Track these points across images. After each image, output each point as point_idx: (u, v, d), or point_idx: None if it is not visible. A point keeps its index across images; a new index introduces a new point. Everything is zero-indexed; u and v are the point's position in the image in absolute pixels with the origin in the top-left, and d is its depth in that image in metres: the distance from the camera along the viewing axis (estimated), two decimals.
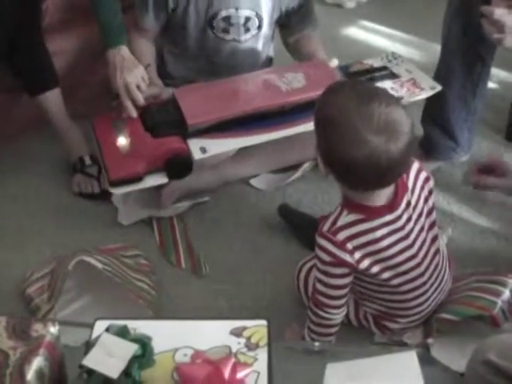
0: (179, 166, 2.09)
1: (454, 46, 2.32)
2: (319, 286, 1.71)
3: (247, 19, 2.32)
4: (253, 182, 2.42)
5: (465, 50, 2.31)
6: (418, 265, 1.71)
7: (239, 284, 2.06)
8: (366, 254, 1.66)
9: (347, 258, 1.64)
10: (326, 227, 1.66)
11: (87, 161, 2.43)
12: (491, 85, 2.67)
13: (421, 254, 1.71)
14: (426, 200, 1.73)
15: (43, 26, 2.40)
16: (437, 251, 1.77)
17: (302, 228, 2.18)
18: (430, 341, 1.79)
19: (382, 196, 1.64)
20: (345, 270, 1.67)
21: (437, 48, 2.45)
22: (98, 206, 2.34)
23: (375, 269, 1.68)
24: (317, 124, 1.62)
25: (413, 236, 1.69)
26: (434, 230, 1.76)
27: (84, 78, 2.61)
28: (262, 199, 2.36)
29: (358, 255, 1.65)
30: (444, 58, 2.36)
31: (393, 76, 2.30)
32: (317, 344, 1.74)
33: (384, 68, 2.35)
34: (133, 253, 2.11)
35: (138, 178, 2.07)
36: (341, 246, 1.64)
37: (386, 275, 1.69)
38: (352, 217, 1.65)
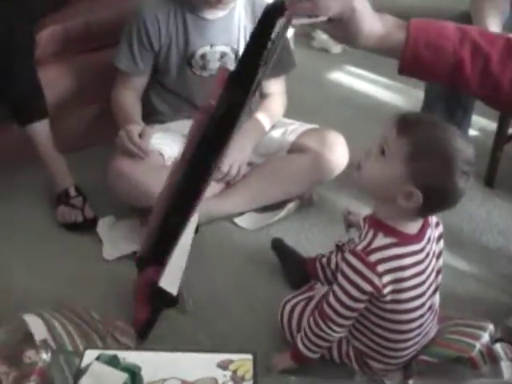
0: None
1: (436, 94, 2.39)
2: (332, 301, 1.70)
3: (222, 54, 2.38)
4: (237, 220, 2.44)
5: (447, 98, 2.37)
6: (423, 305, 1.72)
7: (222, 320, 2.06)
8: (392, 280, 1.65)
9: (375, 280, 1.64)
10: (360, 247, 1.66)
11: (72, 192, 2.45)
12: (472, 132, 2.72)
13: (428, 293, 1.72)
14: (437, 243, 1.77)
15: (36, 56, 2.43)
16: (436, 296, 1.79)
17: (289, 264, 2.18)
18: (410, 382, 1.80)
19: (416, 225, 1.68)
20: (365, 296, 1.67)
21: (419, 94, 2.51)
22: (83, 239, 2.35)
23: (389, 297, 1.68)
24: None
25: (426, 273, 1.70)
26: (440, 275, 1.79)
27: (75, 110, 2.63)
28: (245, 237, 2.38)
29: (385, 279, 1.64)
30: (426, 104, 2.42)
31: None
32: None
33: None
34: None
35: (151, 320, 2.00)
36: (372, 267, 1.63)
37: (393, 307, 1.70)
38: (388, 240, 1.65)
